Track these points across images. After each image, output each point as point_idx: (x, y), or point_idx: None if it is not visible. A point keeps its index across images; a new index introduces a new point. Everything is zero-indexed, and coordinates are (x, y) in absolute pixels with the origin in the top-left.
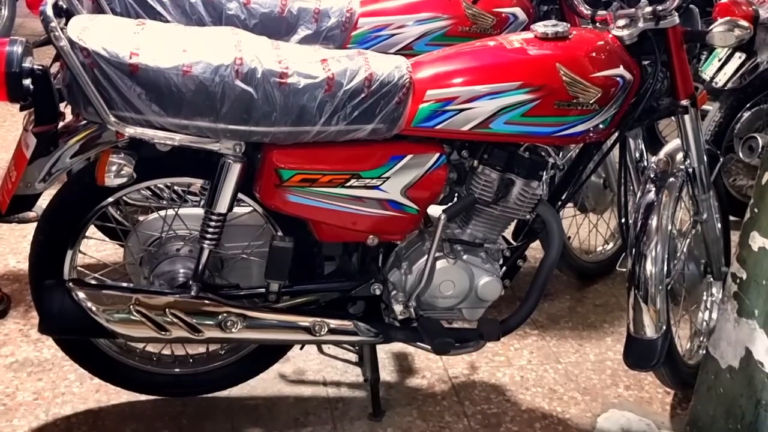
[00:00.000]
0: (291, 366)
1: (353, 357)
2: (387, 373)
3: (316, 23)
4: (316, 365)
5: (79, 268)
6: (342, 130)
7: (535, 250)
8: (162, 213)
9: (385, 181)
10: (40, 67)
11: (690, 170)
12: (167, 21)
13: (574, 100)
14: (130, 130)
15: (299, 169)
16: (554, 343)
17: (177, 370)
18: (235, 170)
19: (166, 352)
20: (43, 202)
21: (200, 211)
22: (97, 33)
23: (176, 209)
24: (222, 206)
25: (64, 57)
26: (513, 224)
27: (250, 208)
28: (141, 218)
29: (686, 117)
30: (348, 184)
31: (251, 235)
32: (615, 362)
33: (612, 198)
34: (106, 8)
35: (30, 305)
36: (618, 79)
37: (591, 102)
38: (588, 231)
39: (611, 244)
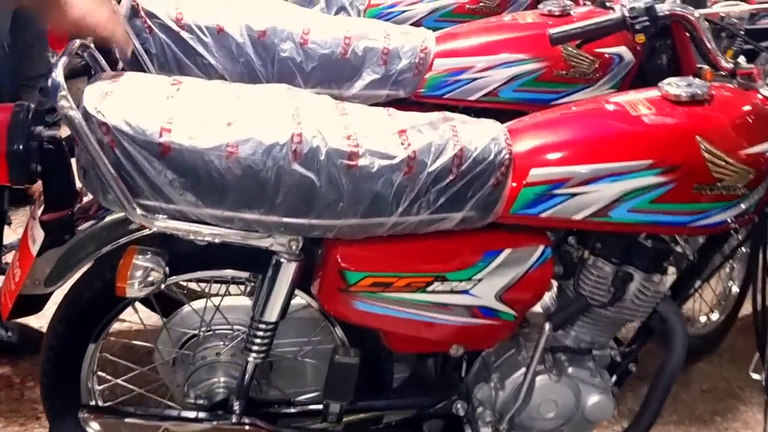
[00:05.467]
0: None
1: None
2: None
3: (385, 66)
4: None
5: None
6: (424, 221)
7: None
8: (198, 305)
9: (476, 284)
10: (53, 139)
11: None
12: (210, 63)
13: (719, 183)
14: (159, 224)
15: (370, 271)
16: None
17: None
18: (289, 271)
19: None
20: None
21: (246, 301)
22: (120, 100)
23: (215, 297)
24: (272, 314)
25: (77, 136)
26: None
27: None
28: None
29: None
30: (430, 289)
31: (307, 331)
32: None
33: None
34: (140, 49)
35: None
36: None
37: (739, 185)
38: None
39: (717, 313)
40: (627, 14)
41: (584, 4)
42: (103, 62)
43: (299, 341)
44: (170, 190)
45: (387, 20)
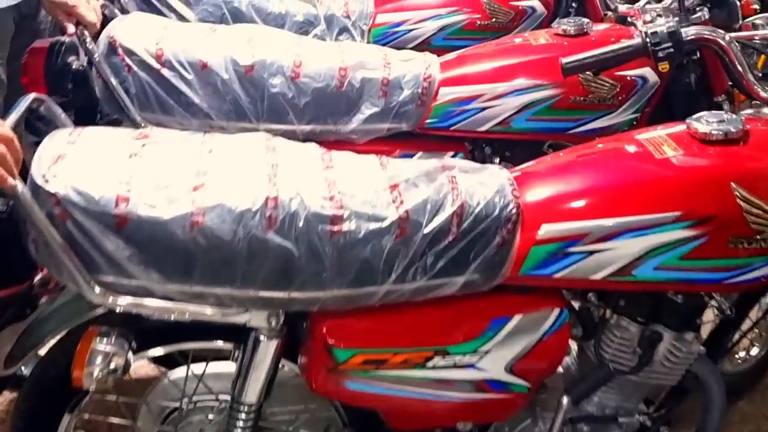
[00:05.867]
0: None
1: None
2: None
3: (385, 98)
4: None
5: None
6: (421, 288)
7: None
8: (179, 374)
9: (483, 357)
10: (3, 210)
11: None
12: (194, 102)
13: (758, 235)
14: (121, 303)
15: (361, 348)
16: None
17: None
18: (270, 348)
19: None
20: None
21: (231, 367)
22: (74, 165)
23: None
24: (253, 395)
25: (21, 209)
26: None
27: None
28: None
29: None
30: (430, 365)
31: (303, 398)
32: None
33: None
34: (119, 90)
35: None
36: None
37: None
38: None
39: (757, 347)
40: (648, 40)
41: (604, 15)
42: (62, 116)
43: (295, 409)
44: (130, 265)
45: (393, 40)
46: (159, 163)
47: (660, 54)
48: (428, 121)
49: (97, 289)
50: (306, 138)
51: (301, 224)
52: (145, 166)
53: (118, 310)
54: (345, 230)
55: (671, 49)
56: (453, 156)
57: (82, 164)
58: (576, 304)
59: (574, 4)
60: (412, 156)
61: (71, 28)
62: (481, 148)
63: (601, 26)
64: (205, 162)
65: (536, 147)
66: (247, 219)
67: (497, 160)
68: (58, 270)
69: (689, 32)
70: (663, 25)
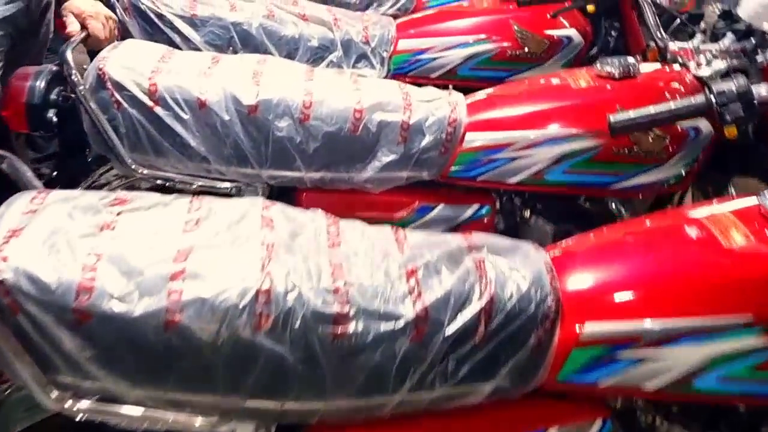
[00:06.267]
0: None
1: None
2: None
3: (404, 144)
4: None
5: None
6: (441, 397)
7: None
8: None
9: None
10: None
11: None
12: (190, 145)
13: None
14: (81, 408)
15: None
16: None
17: None
18: None
19: None
20: None
21: None
22: (31, 242)
23: None
24: None
25: None
26: None
27: None
28: None
29: None
30: None
31: None
32: None
33: None
34: (106, 127)
35: None
36: None
37: None
38: None
39: None
40: (715, 100)
41: (647, 46)
42: (28, 175)
43: None
44: (92, 367)
45: (415, 68)
46: (133, 240)
47: (727, 117)
48: (452, 169)
49: (54, 393)
50: (315, 186)
51: (297, 325)
52: (116, 245)
53: (78, 418)
54: (350, 332)
55: (741, 113)
56: (479, 209)
57: (39, 242)
58: (617, 403)
59: (613, 33)
60: (433, 209)
61: (74, 26)
62: (511, 199)
63: (648, 67)
64: (189, 239)
65: (572, 200)
66: (233, 318)
67: (528, 213)
68: (7, 368)
69: (761, 92)
70: (731, 82)
